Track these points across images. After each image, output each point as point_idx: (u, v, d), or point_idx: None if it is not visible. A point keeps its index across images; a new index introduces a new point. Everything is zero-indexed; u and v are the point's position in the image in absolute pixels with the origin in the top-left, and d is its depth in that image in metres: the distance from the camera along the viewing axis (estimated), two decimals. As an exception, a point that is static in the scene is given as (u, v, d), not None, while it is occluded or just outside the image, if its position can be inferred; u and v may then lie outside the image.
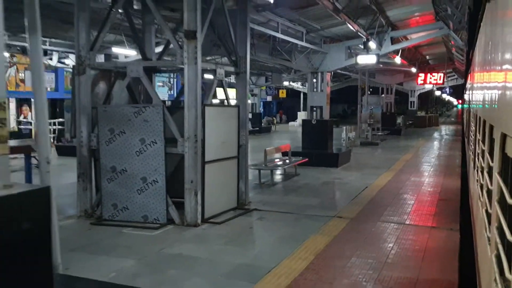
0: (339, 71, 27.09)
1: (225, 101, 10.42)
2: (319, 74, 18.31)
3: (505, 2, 2.45)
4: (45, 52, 21.27)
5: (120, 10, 10.12)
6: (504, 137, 2.48)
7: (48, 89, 23.26)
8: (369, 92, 34.44)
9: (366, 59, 17.58)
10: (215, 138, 9.01)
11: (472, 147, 7.41)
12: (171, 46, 10.32)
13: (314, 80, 18.38)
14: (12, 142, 9.11)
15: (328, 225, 8.50)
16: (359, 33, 15.64)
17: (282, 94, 49.36)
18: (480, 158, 4.43)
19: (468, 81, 14.35)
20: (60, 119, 23.07)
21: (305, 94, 45.77)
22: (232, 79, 27.09)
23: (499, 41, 2.79)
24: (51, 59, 22.54)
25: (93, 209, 9.31)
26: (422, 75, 32.05)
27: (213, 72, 9.53)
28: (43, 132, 4.86)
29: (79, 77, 9.19)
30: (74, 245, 7.30)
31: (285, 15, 14.65)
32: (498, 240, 2.34)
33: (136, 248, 7.18)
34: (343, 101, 66.51)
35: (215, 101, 18.83)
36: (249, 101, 23.33)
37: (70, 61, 22.75)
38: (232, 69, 10.20)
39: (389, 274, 6.11)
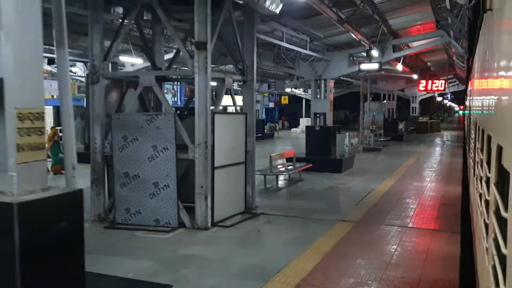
0: (341, 77, 27.46)
1: (232, 107, 10.75)
2: (322, 81, 18.70)
3: (501, 12, 2.47)
4: (52, 61, 21.65)
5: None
6: (500, 148, 2.43)
7: (55, 96, 23.65)
8: (371, 98, 34.78)
9: (369, 67, 17.96)
10: (224, 144, 9.34)
11: (472, 154, 7.54)
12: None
13: (318, 87, 18.74)
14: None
15: (334, 228, 8.82)
16: (362, 41, 16.02)
17: (284, 100, 49.82)
18: (479, 167, 4.38)
19: (469, 88, 14.63)
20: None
21: (307, 100, 46.22)
22: (235, 85, 27.44)
23: (496, 51, 2.79)
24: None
25: (106, 213, 9.63)
26: (423, 82, 32.37)
27: (222, 80, 9.88)
28: (69, 139, 5.19)
29: (93, 86, 9.55)
30: (90, 247, 7.49)
31: (290, 24, 15.05)
32: (494, 252, 2.31)
33: (151, 249, 7.51)
34: (344, 107, 66.82)
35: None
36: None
37: (78, 69, 23.18)
38: (239, 77, 10.56)
39: (393, 274, 6.42)
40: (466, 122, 22.18)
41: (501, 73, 2.33)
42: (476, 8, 6.63)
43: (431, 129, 44.43)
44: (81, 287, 4.08)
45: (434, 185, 14.21)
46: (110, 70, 10.63)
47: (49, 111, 22.37)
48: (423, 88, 32.86)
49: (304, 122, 42.61)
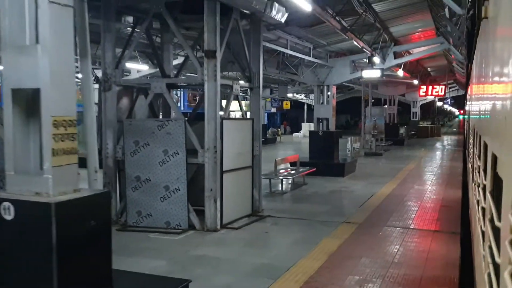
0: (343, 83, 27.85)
1: (236, 113, 11.11)
2: (325, 87, 19.06)
3: (495, 19, 2.49)
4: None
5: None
6: (495, 156, 2.39)
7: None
8: (372, 103, 35.10)
9: (371, 74, 18.33)
10: (232, 149, 9.68)
11: (471, 159, 7.79)
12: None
13: (321, 93, 19.10)
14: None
15: (339, 230, 9.15)
16: (364, 48, 16.40)
17: (286, 105, 50.17)
18: (476, 173, 4.37)
19: (468, 94, 14.93)
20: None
21: (308, 105, 46.57)
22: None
23: (490, 57, 2.80)
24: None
25: (118, 216, 9.95)
26: (424, 87, 32.76)
27: (230, 87, 10.23)
28: (92, 145, 5.54)
29: (105, 93, 9.90)
30: (105, 248, 7.93)
31: (294, 32, 15.45)
32: (489, 260, 2.27)
33: (163, 250, 7.84)
34: (346, 112, 67.15)
35: (221, 112, 19.52)
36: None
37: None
38: (246, 84, 10.91)
39: (396, 272, 6.75)
40: (465, 127, 22.44)
41: (495, 79, 2.32)
42: (474, 17, 6.94)
43: (431, 133, 44.76)
44: (108, 280, 4.40)
45: (434, 188, 14.54)
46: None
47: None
48: (424, 93, 33.25)
49: (306, 126, 42.96)
